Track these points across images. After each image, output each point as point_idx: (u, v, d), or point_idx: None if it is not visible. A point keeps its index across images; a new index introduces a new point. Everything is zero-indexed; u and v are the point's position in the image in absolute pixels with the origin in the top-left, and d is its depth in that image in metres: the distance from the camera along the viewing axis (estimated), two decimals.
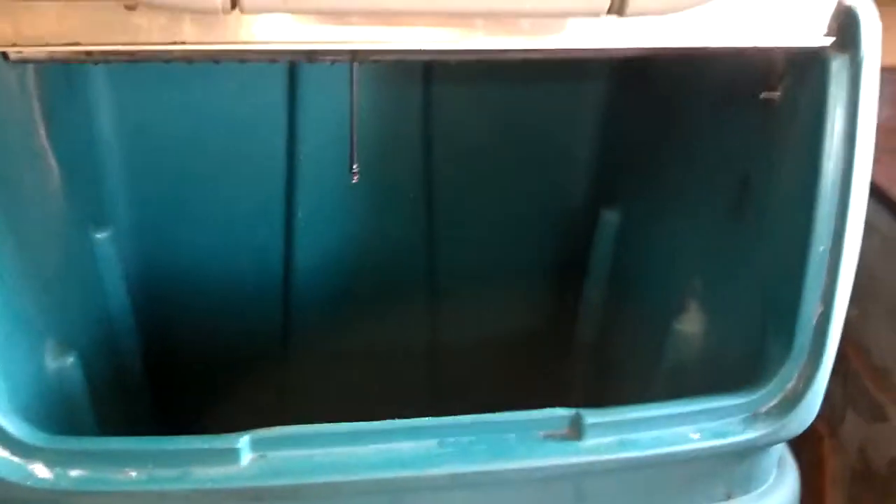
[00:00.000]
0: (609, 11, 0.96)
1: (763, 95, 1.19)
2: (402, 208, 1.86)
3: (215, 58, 1.08)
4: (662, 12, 0.97)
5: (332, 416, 1.97)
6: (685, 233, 1.49)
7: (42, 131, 1.39)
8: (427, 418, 1.14)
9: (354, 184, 1.73)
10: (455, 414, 1.97)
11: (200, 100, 1.69)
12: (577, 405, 1.61)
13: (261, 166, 1.78)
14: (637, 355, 1.63)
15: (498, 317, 1.95)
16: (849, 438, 1.76)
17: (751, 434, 1.19)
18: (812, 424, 1.24)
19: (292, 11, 0.91)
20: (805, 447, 1.43)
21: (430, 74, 1.74)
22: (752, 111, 1.25)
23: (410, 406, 2.01)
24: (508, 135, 1.81)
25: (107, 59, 1.20)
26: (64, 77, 1.53)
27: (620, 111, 1.73)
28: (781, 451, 1.36)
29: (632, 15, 0.96)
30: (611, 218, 1.76)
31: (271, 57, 1.08)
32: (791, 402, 1.20)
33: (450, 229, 1.88)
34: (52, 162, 1.42)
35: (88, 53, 1.07)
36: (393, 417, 1.96)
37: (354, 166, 1.72)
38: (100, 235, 1.59)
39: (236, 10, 0.92)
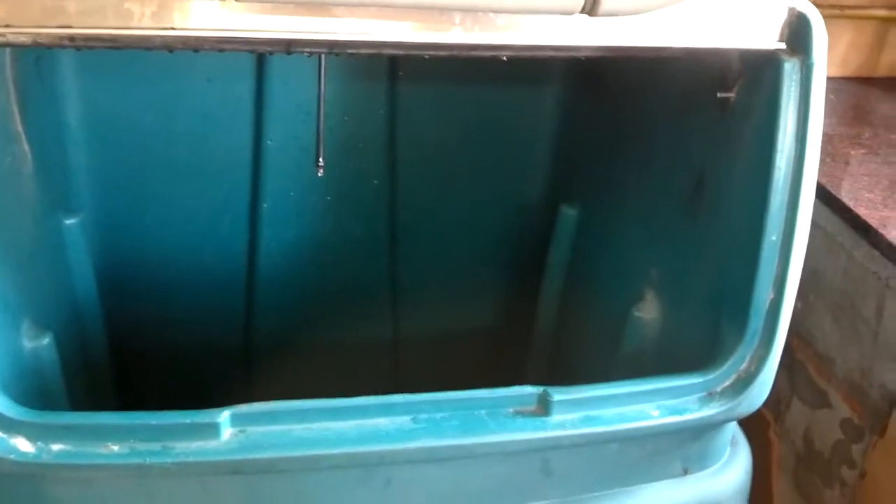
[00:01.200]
0: (582, 10, 1.02)
1: (719, 95, 1.26)
2: (366, 202, 1.90)
3: (200, 46, 1.11)
4: (632, 13, 1.04)
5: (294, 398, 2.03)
6: (643, 227, 1.56)
7: (17, 116, 1.41)
8: (401, 395, 1.18)
9: (320, 177, 1.77)
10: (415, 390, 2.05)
11: (168, 92, 1.72)
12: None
13: (227, 158, 1.81)
14: (596, 342, 1.69)
15: (459, 309, 2.00)
16: (794, 424, 1.85)
17: (706, 412, 1.26)
18: (759, 411, 1.32)
19: (277, 1, 0.94)
20: (753, 433, 1.51)
21: (395, 72, 1.79)
22: (708, 111, 1.32)
23: (371, 385, 2.06)
24: (470, 133, 1.87)
25: (90, 45, 1.22)
26: (34, 65, 1.54)
27: (579, 112, 1.79)
28: (734, 430, 1.44)
29: (603, 15, 1.02)
30: (569, 213, 1.82)
31: (252, 47, 1.11)
32: (744, 382, 1.27)
33: (412, 223, 1.93)
34: (26, 147, 1.44)
35: (71, 38, 1.09)
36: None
37: (320, 160, 1.76)
38: (69, 221, 1.61)
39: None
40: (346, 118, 1.81)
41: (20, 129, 1.42)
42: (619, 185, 1.64)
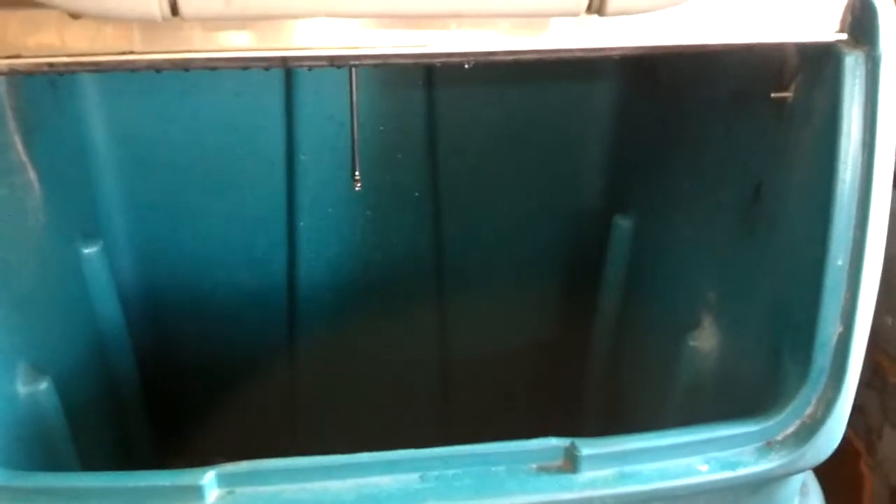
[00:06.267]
0: (589, 11, 0.87)
1: (774, 95, 1.09)
2: (408, 216, 1.78)
3: (159, 67, 1.02)
4: (644, 11, 0.88)
5: (341, 428, 1.93)
6: (698, 242, 1.39)
7: (19, 146, 1.34)
8: (407, 450, 1.06)
9: (357, 191, 1.66)
10: (464, 424, 1.93)
11: (195, 107, 1.64)
12: (590, 419, 1.52)
13: (260, 174, 1.72)
14: (652, 370, 1.53)
15: (510, 326, 1.87)
16: (888, 455, 1.64)
17: (765, 465, 1.09)
18: (847, 441, 1.14)
19: (233, 18, 0.83)
20: (840, 465, 1.33)
21: (432, 76, 1.66)
22: (763, 113, 1.14)
23: (419, 416, 1.96)
24: (516, 138, 1.72)
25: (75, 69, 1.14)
26: (49, 88, 1.47)
27: (632, 112, 1.63)
28: (804, 477, 1.26)
29: (613, 14, 0.86)
30: (624, 224, 1.66)
31: (214, 65, 1.02)
32: (809, 429, 1.10)
33: (457, 237, 1.80)
34: (32, 176, 1.37)
35: (51, 65, 1.02)
36: (402, 427, 1.92)
37: (356, 173, 1.65)
38: (88, 250, 1.53)
39: (178, 18, 0.85)
40: (381, 128, 1.70)
41: (23, 158, 1.34)
42: (673, 194, 1.47)
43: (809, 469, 1.14)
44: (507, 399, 1.93)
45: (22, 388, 1.21)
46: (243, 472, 1.03)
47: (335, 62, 1.10)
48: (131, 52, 0.95)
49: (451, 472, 1.06)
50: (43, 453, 1.23)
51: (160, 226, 1.72)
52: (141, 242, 1.71)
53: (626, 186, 1.67)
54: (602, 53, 1.05)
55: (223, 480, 1.02)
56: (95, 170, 1.63)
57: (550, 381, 1.90)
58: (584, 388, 1.81)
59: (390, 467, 1.05)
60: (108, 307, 1.59)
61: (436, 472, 1.06)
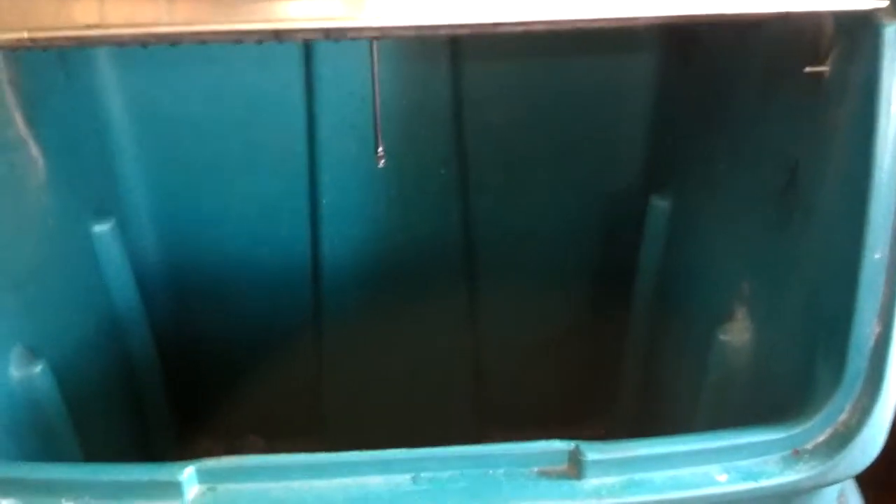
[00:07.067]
0: None
1: (808, 70, 0.98)
2: (433, 195, 1.70)
3: (146, 42, 0.97)
4: None
5: (369, 412, 1.88)
6: (734, 227, 1.28)
7: (19, 121, 1.30)
8: (400, 449, 0.99)
9: (381, 169, 1.59)
10: (496, 409, 1.86)
11: (213, 81, 1.58)
12: (623, 410, 1.42)
13: (281, 150, 1.66)
14: (684, 363, 1.44)
15: (543, 311, 1.78)
16: None
17: (791, 476, 0.99)
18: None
19: None
20: (888, 473, 1.22)
21: (458, 49, 1.57)
22: (798, 89, 1.04)
23: (448, 399, 1.90)
24: (548, 112, 1.63)
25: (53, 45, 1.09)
26: (56, 62, 1.43)
27: (670, 87, 1.52)
28: (843, 487, 1.15)
29: None
30: (661, 204, 1.56)
31: (203, 38, 0.97)
32: (842, 438, 1.00)
33: (486, 216, 1.72)
34: (35, 152, 1.33)
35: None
36: (430, 411, 1.86)
37: (380, 150, 1.57)
38: (100, 228, 1.50)
39: None
40: (405, 103, 1.62)
41: (23, 134, 1.31)
42: (709, 176, 1.37)
43: (842, 481, 1.04)
44: (541, 389, 1.85)
45: (15, 372, 1.18)
46: (225, 468, 0.98)
47: (331, 35, 1.04)
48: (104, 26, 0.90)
49: (445, 474, 0.99)
50: (39, 441, 1.20)
51: (180, 203, 1.68)
52: (161, 220, 1.68)
53: (664, 166, 1.57)
54: (634, 23, 0.96)
55: (204, 476, 0.97)
56: (112, 145, 1.59)
57: (584, 367, 1.82)
58: (619, 378, 1.72)
59: (381, 467, 0.99)
60: (122, 287, 1.56)
61: (429, 474, 0.99)
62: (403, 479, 0.99)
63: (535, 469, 0.99)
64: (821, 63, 0.97)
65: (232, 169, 1.66)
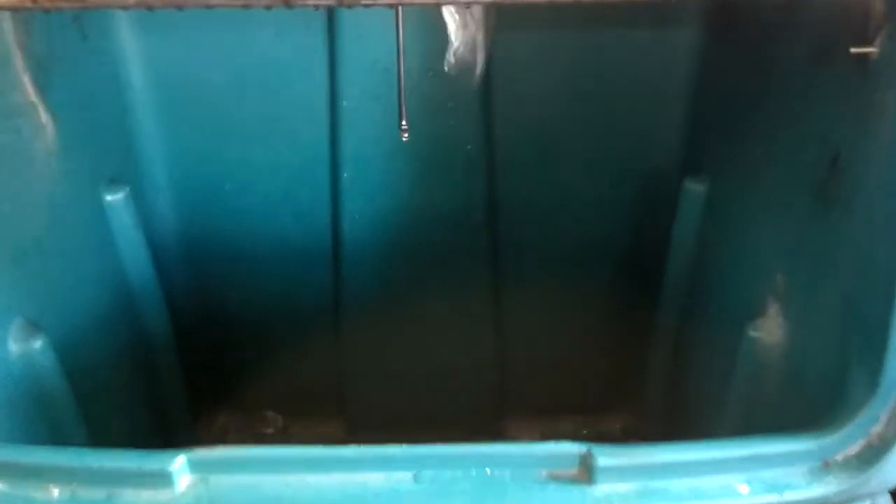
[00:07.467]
0: None
1: (854, 51, 0.89)
2: (459, 171, 1.64)
3: (151, 6, 0.92)
4: None
5: (387, 392, 1.84)
6: (770, 216, 1.21)
7: (28, 86, 1.26)
8: (402, 446, 0.94)
9: (405, 142, 1.53)
10: (517, 392, 1.80)
11: (234, 48, 1.53)
12: (652, 404, 1.36)
13: (302, 121, 1.60)
14: (714, 360, 1.37)
15: (569, 295, 1.72)
16: None
17: (818, 489, 0.93)
18: None
19: None
20: None
21: (488, 17, 1.50)
22: (844, 71, 0.96)
23: (469, 380, 1.85)
24: (581, 87, 1.55)
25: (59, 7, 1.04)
26: (71, 25, 1.39)
27: (710, 65, 1.44)
28: (878, 501, 1.08)
29: None
30: (696, 188, 1.48)
31: (209, 3, 0.92)
32: (876, 450, 0.93)
33: (513, 195, 1.65)
34: (44, 119, 1.29)
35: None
36: (450, 392, 1.80)
37: (403, 123, 1.51)
38: (112, 197, 1.46)
39: None
40: (430, 73, 1.55)
41: (34, 99, 1.27)
42: (747, 160, 1.29)
43: (878, 495, 0.97)
44: (566, 377, 1.79)
45: (14, 346, 1.15)
46: (217, 458, 0.94)
47: (344, 2, 0.99)
48: None
49: (448, 473, 0.94)
50: (38, 419, 1.17)
51: (198, 173, 1.63)
52: (177, 190, 1.64)
53: (700, 147, 1.49)
54: None
55: (195, 466, 0.93)
56: (129, 111, 1.54)
57: (610, 354, 1.75)
58: (646, 368, 1.66)
59: (382, 463, 0.94)
60: (136, 259, 1.52)
61: (431, 473, 0.94)
62: (404, 476, 0.94)
63: (544, 472, 0.94)
64: (868, 44, 0.89)
65: (252, 138, 1.61)
